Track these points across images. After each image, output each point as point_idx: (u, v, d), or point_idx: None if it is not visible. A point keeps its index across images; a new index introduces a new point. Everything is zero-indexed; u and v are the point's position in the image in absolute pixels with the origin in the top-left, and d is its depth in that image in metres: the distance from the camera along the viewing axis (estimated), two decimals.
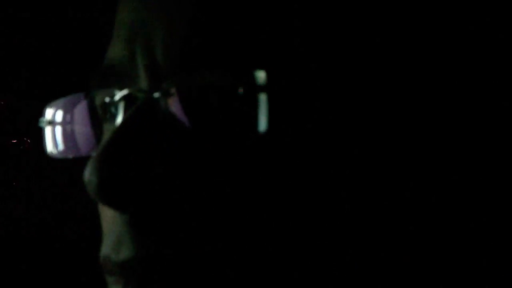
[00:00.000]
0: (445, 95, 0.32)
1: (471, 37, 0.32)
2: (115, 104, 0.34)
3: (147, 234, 0.31)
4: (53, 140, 0.38)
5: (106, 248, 0.33)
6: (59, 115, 0.38)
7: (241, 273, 0.31)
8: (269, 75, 0.30)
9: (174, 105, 0.31)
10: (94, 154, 0.32)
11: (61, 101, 0.38)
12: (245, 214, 0.31)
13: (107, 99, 0.35)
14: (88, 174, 0.31)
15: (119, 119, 0.33)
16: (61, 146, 0.38)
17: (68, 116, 0.38)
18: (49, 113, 0.39)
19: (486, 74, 0.32)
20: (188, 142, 0.31)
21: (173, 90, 0.31)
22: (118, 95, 0.33)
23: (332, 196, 0.31)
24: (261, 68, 0.30)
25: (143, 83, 0.33)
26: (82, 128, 0.38)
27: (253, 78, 0.30)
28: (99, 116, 0.37)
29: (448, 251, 0.32)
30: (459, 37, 0.32)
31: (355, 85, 0.31)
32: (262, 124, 0.30)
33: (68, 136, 0.38)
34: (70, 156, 0.38)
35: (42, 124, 0.39)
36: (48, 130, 0.39)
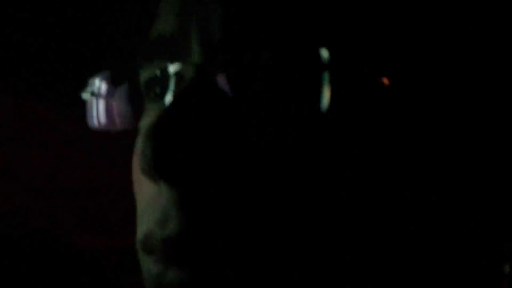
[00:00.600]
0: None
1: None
2: (164, 78, 0.34)
3: (195, 210, 0.31)
4: (94, 113, 0.39)
5: (148, 225, 0.33)
6: (102, 88, 0.38)
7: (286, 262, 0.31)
8: (331, 54, 0.30)
9: (223, 81, 0.31)
10: (143, 127, 0.32)
11: (104, 74, 0.39)
12: (298, 200, 0.30)
13: (156, 72, 0.35)
14: (143, 147, 0.31)
15: (171, 93, 0.33)
16: (101, 119, 0.38)
17: (110, 90, 0.38)
18: (92, 85, 0.39)
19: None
20: (238, 120, 0.31)
21: (226, 66, 0.31)
22: (171, 68, 0.33)
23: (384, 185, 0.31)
24: (323, 46, 0.30)
25: (197, 56, 0.33)
26: (122, 101, 0.38)
27: (317, 56, 0.30)
28: (141, 90, 0.37)
29: (447, 251, 0.32)
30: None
31: (415, 79, 0.31)
32: (323, 103, 0.30)
33: (108, 110, 0.38)
34: (110, 129, 0.38)
35: (84, 96, 0.39)
36: (90, 102, 0.39)
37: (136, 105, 0.38)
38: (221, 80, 0.31)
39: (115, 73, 0.38)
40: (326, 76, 0.30)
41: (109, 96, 0.38)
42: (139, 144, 0.32)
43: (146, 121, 0.36)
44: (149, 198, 0.34)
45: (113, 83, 0.38)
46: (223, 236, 0.31)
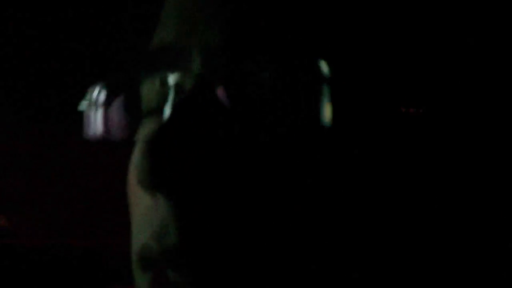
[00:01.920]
0: None
1: None
2: (164, 88, 0.34)
3: (193, 223, 0.31)
4: (90, 124, 0.38)
5: (145, 238, 0.33)
6: (100, 98, 0.38)
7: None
8: (329, 67, 0.30)
9: (222, 92, 0.31)
10: (141, 138, 0.31)
11: (103, 84, 0.38)
12: (289, 212, 0.30)
13: (156, 82, 0.35)
14: (142, 159, 0.31)
15: (170, 104, 0.32)
16: (98, 130, 0.38)
17: (109, 100, 0.38)
18: (90, 96, 0.38)
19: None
20: (237, 130, 0.31)
21: (226, 76, 0.31)
22: (171, 78, 0.33)
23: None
24: (321, 59, 0.30)
25: (196, 66, 0.32)
26: (120, 112, 0.38)
27: (315, 67, 0.30)
28: (139, 100, 0.37)
29: (448, 252, 0.32)
30: None
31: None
32: (322, 114, 0.30)
33: (106, 120, 0.38)
34: (107, 139, 0.38)
35: (82, 107, 0.38)
36: (87, 113, 0.38)
37: (134, 116, 0.37)
38: (221, 90, 0.31)
39: (114, 83, 0.38)
40: (324, 86, 0.29)
41: (107, 106, 0.38)
42: (137, 156, 0.32)
43: (144, 132, 0.36)
44: (146, 210, 0.34)
45: (111, 93, 0.38)
46: (221, 248, 0.31)
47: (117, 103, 0.37)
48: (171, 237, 0.31)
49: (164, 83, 0.34)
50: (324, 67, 0.30)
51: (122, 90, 0.37)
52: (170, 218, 0.31)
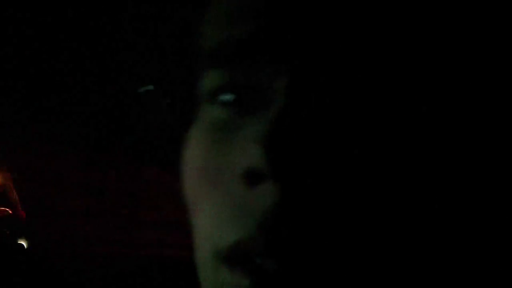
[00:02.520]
0: None
1: None
2: (235, 84, 0.34)
3: (306, 213, 0.31)
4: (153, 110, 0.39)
5: (238, 233, 0.33)
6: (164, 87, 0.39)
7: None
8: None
9: (321, 86, 0.32)
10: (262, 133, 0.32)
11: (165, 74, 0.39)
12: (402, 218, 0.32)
13: (224, 79, 0.35)
14: (257, 150, 0.31)
15: (274, 103, 0.33)
16: (160, 117, 0.39)
17: (172, 89, 0.39)
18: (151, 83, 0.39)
19: None
20: (339, 124, 0.32)
21: (327, 71, 0.32)
22: (257, 76, 0.33)
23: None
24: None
25: (296, 62, 0.32)
26: (181, 102, 0.39)
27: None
28: (198, 97, 0.37)
29: (449, 252, 0.33)
30: None
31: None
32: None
33: (167, 109, 0.38)
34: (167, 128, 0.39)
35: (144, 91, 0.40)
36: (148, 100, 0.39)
37: (185, 112, 0.39)
38: (319, 84, 0.32)
39: (166, 81, 0.39)
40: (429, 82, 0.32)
41: (170, 94, 0.38)
42: (244, 150, 0.32)
43: (203, 121, 0.37)
44: (232, 205, 0.33)
45: (164, 92, 0.39)
46: (328, 240, 0.31)
47: (177, 92, 0.39)
48: (281, 227, 0.31)
49: (236, 79, 0.34)
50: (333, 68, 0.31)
51: (174, 88, 0.39)
52: (281, 209, 0.31)
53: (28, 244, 2.57)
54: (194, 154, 0.36)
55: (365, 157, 0.31)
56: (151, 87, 0.40)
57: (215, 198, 0.34)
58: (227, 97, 0.35)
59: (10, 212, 2.65)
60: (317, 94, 0.32)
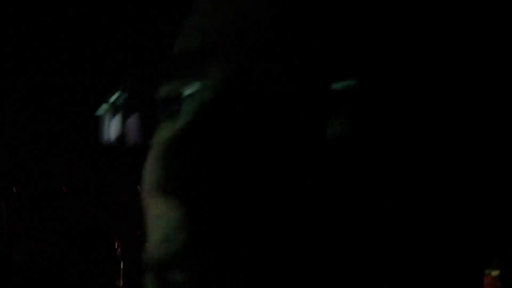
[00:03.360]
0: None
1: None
2: (181, 97, 0.34)
3: (203, 227, 0.31)
4: (109, 129, 0.38)
5: (155, 241, 0.33)
6: (118, 104, 0.38)
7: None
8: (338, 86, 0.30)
9: (240, 104, 0.31)
10: (157, 143, 0.32)
11: (121, 91, 0.38)
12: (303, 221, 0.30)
13: (174, 91, 0.35)
14: (158, 162, 0.31)
15: (187, 113, 0.33)
16: (115, 135, 0.38)
17: (126, 107, 0.38)
18: (109, 101, 0.38)
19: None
20: (251, 143, 0.31)
21: (244, 88, 0.31)
22: (187, 88, 0.33)
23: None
24: (332, 77, 0.30)
25: (216, 79, 0.32)
26: (136, 119, 0.38)
27: (328, 89, 0.30)
28: (158, 108, 0.37)
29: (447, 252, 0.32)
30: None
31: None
32: (334, 129, 0.30)
33: (123, 126, 0.38)
34: (125, 144, 0.38)
35: (100, 112, 0.39)
36: (105, 119, 0.39)
37: (150, 122, 0.38)
38: (239, 101, 0.31)
39: (132, 90, 0.38)
40: (341, 103, 0.30)
41: (125, 112, 0.38)
42: (153, 160, 0.33)
43: (158, 138, 0.36)
44: (157, 215, 0.34)
45: (129, 100, 0.38)
46: (228, 251, 0.31)
47: (134, 108, 0.38)
48: (179, 240, 0.32)
49: (182, 90, 0.34)
50: (340, 82, 0.30)
51: (141, 95, 0.38)
52: (181, 221, 0.32)
53: None
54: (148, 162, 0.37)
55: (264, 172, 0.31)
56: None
57: (151, 204, 0.35)
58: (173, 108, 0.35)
59: None
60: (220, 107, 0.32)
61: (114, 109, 0.38)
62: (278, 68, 0.31)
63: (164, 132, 0.35)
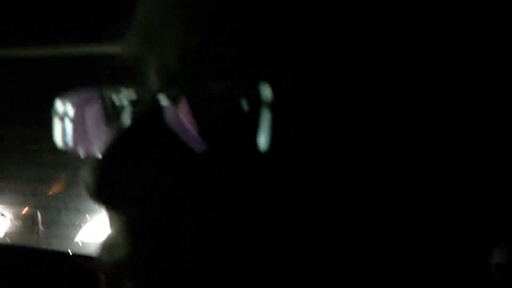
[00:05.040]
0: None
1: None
2: (121, 103, 0.34)
3: (141, 236, 0.31)
4: (64, 134, 0.38)
5: (101, 248, 0.33)
6: (70, 109, 0.37)
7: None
8: (274, 91, 0.29)
9: (181, 112, 0.30)
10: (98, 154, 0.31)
11: (72, 95, 0.38)
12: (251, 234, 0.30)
13: (115, 97, 0.35)
14: (87, 174, 0.31)
15: (124, 121, 0.33)
16: (71, 142, 0.38)
17: (79, 112, 0.37)
18: (60, 105, 0.38)
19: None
20: (191, 152, 0.30)
21: (181, 96, 0.30)
22: (126, 94, 0.33)
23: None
24: (268, 82, 0.29)
25: (152, 85, 0.32)
26: (92, 125, 0.37)
27: (258, 92, 0.29)
28: (109, 114, 0.36)
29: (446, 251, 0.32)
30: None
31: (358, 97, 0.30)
32: (263, 140, 0.29)
33: (77, 132, 0.37)
34: (79, 152, 0.37)
35: (53, 115, 0.38)
36: (58, 123, 0.38)
37: (102, 128, 0.37)
38: (173, 111, 0.31)
39: (82, 94, 0.37)
40: (266, 112, 0.29)
41: (75, 118, 0.37)
42: (86, 170, 0.32)
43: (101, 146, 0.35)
44: (107, 217, 0.34)
45: (79, 105, 0.37)
46: (171, 260, 0.31)
47: (83, 115, 0.37)
48: (121, 249, 0.31)
49: (121, 98, 0.34)
50: (266, 92, 0.29)
51: (90, 101, 0.37)
52: (119, 231, 0.32)
53: None
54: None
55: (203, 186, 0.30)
56: None
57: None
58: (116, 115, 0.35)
59: None
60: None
61: (62, 117, 0.37)
62: (211, 76, 0.30)
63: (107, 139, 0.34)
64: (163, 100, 0.31)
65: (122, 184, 0.30)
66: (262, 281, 0.30)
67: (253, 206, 0.30)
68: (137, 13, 0.35)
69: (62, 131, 0.37)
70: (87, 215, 2.45)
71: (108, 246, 0.32)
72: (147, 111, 0.31)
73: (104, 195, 0.30)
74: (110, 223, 0.33)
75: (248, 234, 0.30)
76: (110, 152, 0.31)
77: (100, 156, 0.31)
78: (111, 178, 0.30)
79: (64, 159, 2.28)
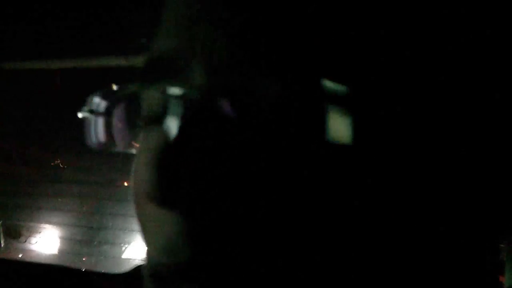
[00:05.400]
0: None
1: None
2: (165, 100, 0.33)
3: (202, 239, 0.30)
4: (93, 132, 0.37)
5: (156, 252, 0.32)
6: (101, 107, 0.37)
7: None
8: (327, 87, 0.29)
9: (226, 105, 0.30)
10: (144, 149, 0.31)
11: (103, 93, 0.37)
12: (296, 222, 0.30)
13: (156, 94, 0.34)
14: (149, 172, 0.30)
15: (173, 116, 0.32)
16: (100, 139, 0.37)
17: (109, 109, 0.37)
18: (91, 103, 0.37)
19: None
20: (242, 146, 0.30)
21: (230, 89, 0.30)
22: (172, 90, 0.32)
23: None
24: (320, 79, 0.29)
25: (199, 79, 0.31)
26: (121, 122, 0.37)
27: (319, 85, 0.29)
28: (141, 111, 0.36)
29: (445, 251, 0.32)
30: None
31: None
32: (326, 132, 0.29)
33: (107, 130, 0.37)
34: (108, 150, 0.37)
35: (83, 114, 0.38)
36: (88, 121, 0.38)
37: (133, 125, 0.37)
38: (225, 104, 0.30)
39: (115, 91, 0.37)
40: (328, 105, 0.29)
41: (108, 114, 0.37)
42: (142, 167, 0.31)
43: (146, 144, 0.35)
44: (155, 223, 0.33)
45: (112, 102, 0.37)
46: (233, 261, 0.30)
47: (116, 112, 0.37)
48: (182, 252, 0.31)
49: (164, 94, 0.33)
50: (328, 83, 0.29)
51: (122, 99, 0.37)
52: (181, 233, 0.31)
53: None
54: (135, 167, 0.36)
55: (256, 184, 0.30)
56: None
57: (145, 212, 0.34)
58: (157, 112, 0.34)
59: None
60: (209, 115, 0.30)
61: (95, 113, 0.37)
62: (264, 68, 0.30)
63: (152, 138, 0.34)
64: (215, 95, 0.30)
65: (186, 185, 0.30)
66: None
67: (330, 203, 0.30)
68: (170, 8, 0.35)
69: (95, 129, 0.37)
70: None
71: (167, 249, 0.31)
72: (201, 107, 0.31)
73: (167, 195, 0.30)
74: (168, 226, 0.31)
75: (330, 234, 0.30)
76: (170, 151, 0.30)
77: (159, 154, 0.30)
78: (175, 179, 0.30)
79: None
